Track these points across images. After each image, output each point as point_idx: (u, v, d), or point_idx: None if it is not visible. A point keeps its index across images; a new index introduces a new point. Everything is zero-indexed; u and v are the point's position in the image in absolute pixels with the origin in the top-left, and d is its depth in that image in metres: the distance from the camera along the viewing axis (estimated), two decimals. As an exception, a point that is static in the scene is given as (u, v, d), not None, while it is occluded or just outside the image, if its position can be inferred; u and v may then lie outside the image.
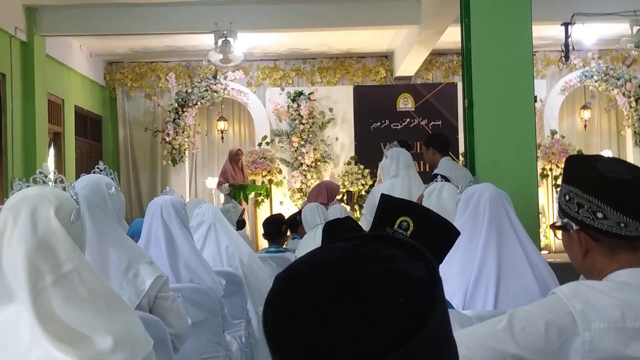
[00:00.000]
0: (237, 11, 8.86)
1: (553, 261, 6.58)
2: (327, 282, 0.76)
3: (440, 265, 1.94)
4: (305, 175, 11.12)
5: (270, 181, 11.12)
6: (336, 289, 0.75)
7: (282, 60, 11.58)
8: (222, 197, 10.17)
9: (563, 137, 11.16)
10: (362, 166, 10.94)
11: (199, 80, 11.37)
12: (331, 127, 11.41)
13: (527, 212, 4.48)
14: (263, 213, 10.67)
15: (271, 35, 9.99)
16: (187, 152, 11.46)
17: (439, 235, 1.97)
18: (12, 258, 1.68)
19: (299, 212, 6.70)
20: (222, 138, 11.61)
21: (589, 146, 11.60)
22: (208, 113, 11.78)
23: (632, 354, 1.37)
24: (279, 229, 5.92)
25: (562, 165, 1.68)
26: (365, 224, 4.71)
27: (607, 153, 10.45)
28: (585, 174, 1.52)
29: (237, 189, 9.99)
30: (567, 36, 8.60)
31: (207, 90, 11.26)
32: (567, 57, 8.98)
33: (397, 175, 5.14)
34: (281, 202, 11.21)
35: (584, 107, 11.57)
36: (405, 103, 11.20)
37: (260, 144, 11.24)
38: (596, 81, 11.25)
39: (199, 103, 11.32)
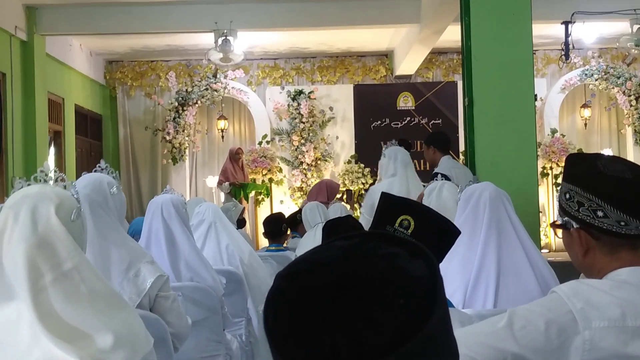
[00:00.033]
0: (237, 10, 8.86)
1: (553, 260, 6.59)
2: (327, 281, 0.76)
3: (440, 264, 1.94)
4: (305, 174, 11.12)
5: (271, 180, 11.12)
6: (337, 288, 0.75)
7: (282, 59, 11.58)
8: (222, 195, 10.18)
9: (563, 136, 11.16)
10: (362, 165, 10.94)
11: (199, 79, 11.37)
12: (331, 125, 11.41)
13: (527, 211, 4.48)
14: (263, 212, 10.67)
15: (271, 34, 9.99)
16: (187, 150, 11.46)
17: (440, 234, 1.97)
18: (13, 256, 1.68)
19: (299, 211, 6.71)
20: (223, 137, 11.61)
21: (589, 145, 11.60)
22: (208, 112, 11.78)
23: (633, 353, 1.37)
24: (280, 227, 5.92)
25: (563, 164, 1.68)
26: (364, 223, 4.70)
27: (607, 152, 10.44)
28: (586, 173, 1.52)
29: (237, 188, 9.99)
30: (567, 35, 8.60)
31: (207, 89, 11.26)
32: (567, 56, 8.97)
33: (395, 174, 5.14)
34: (281, 201, 11.21)
35: (584, 106, 11.56)
36: (406, 102, 11.19)
37: (260, 143, 11.24)
38: (596, 80, 11.24)
39: (199, 102, 11.32)
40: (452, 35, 7.96)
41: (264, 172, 11.03)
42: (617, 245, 1.50)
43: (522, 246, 2.73)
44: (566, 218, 1.56)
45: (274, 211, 10.12)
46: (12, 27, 8.39)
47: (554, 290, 1.46)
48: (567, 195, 1.54)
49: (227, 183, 9.94)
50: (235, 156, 10.22)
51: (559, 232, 1.60)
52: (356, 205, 10.48)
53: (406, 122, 11.17)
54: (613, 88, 11.25)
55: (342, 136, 11.41)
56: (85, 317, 1.64)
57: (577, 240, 1.54)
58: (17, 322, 1.62)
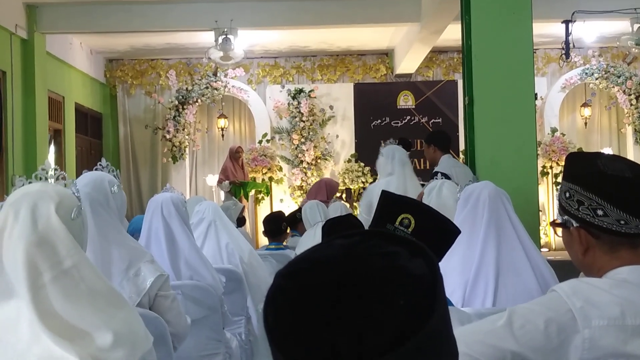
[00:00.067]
0: (238, 8, 8.86)
1: (553, 259, 6.59)
2: (327, 279, 0.76)
3: (440, 263, 1.94)
4: (305, 173, 11.12)
5: (271, 179, 11.12)
6: (337, 286, 0.75)
7: (283, 57, 11.58)
8: (222, 194, 10.17)
9: (563, 135, 11.16)
10: (362, 164, 10.94)
11: (200, 78, 11.37)
12: (331, 124, 11.41)
13: (527, 210, 4.48)
14: (263, 210, 10.67)
15: (271, 32, 9.98)
16: (187, 149, 11.46)
17: (440, 233, 1.97)
18: (12, 254, 1.68)
19: (299, 210, 6.71)
20: (223, 135, 11.61)
21: (589, 144, 11.60)
22: (208, 110, 11.78)
23: (632, 352, 1.37)
24: (279, 226, 5.92)
25: (563, 163, 1.68)
26: (362, 222, 4.70)
27: (607, 151, 10.44)
28: (586, 171, 1.52)
29: (237, 187, 9.99)
30: (567, 34, 8.60)
31: (207, 88, 11.26)
32: (567, 55, 8.97)
33: (392, 173, 5.14)
34: (281, 200, 11.21)
35: (585, 105, 11.56)
36: (406, 100, 11.19)
37: (260, 142, 11.24)
38: (597, 79, 11.24)
39: (199, 100, 11.32)
40: (452, 34, 7.96)
41: (264, 170, 11.03)
42: (617, 244, 1.50)
43: (522, 245, 2.73)
44: (566, 217, 1.56)
45: (274, 210, 10.13)
46: (13, 25, 8.39)
47: (553, 289, 1.46)
48: (567, 194, 1.54)
49: (227, 182, 9.94)
50: (235, 155, 10.22)
51: (559, 230, 1.60)
52: (355, 204, 10.47)
53: (406, 121, 11.16)
54: (613, 87, 11.25)
55: (342, 135, 11.41)
56: (84, 315, 1.64)
57: (577, 239, 1.54)
58: (16, 320, 1.63)
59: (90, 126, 11.24)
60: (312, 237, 5.32)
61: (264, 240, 8.53)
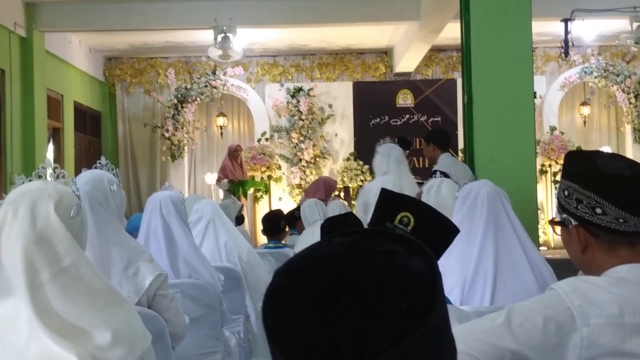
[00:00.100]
0: (237, 7, 8.86)
1: (552, 257, 6.59)
2: (326, 277, 0.76)
3: (438, 261, 1.94)
4: (304, 171, 11.12)
5: (270, 177, 11.12)
6: (336, 284, 0.75)
7: (282, 56, 11.57)
8: (221, 192, 10.17)
9: (562, 134, 11.16)
10: (361, 162, 10.94)
11: (198, 76, 11.36)
12: (330, 123, 11.40)
13: (526, 208, 4.49)
14: (262, 209, 10.68)
15: (270, 31, 9.98)
16: (186, 147, 11.46)
17: (439, 231, 1.97)
18: (11, 252, 1.68)
19: (298, 208, 6.71)
20: (222, 134, 11.61)
21: (588, 142, 11.60)
22: (207, 109, 11.78)
23: (631, 350, 1.37)
24: (278, 224, 5.92)
25: (562, 162, 1.68)
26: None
27: (606, 149, 10.45)
28: (585, 170, 1.52)
29: (236, 185, 9.99)
30: (566, 32, 8.60)
31: (206, 86, 11.26)
32: (566, 54, 8.97)
33: (388, 171, 5.13)
34: (280, 198, 11.21)
35: (584, 104, 11.57)
36: (405, 99, 11.19)
37: (259, 140, 11.23)
38: (596, 77, 11.25)
39: (198, 99, 11.31)
40: (451, 32, 7.96)
41: (263, 169, 11.03)
42: (616, 242, 1.50)
43: (520, 243, 2.74)
44: (565, 215, 1.56)
45: (273, 208, 10.12)
46: (12, 23, 8.38)
47: (552, 287, 1.46)
48: (566, 193, 1.54)
49: (226, 180, 9.94)
50: (234, 153, 10.22)
51: (558, 229, 1.60)
52: (354, 203, 10.48)
53: (405, 119, 11.16)
54: (612, 86, 11.25)
55: (341, 133, 11.41)
56: (83, 314, 1.64)
57: (576, 237, 1.54)
58: (15, 318, 1.62)
59: (89, 124, 11.24)
60: (310, 236, 5.32)
61: (262, 239, 8.53)
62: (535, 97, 4.92)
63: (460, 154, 9.83)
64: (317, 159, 11.21)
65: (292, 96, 11.23)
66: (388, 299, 0.74)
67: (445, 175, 4.14)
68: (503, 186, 2.95)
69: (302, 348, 0.73)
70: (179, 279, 3.39)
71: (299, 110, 11.17)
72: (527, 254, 2.73)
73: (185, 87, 11.31)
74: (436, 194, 3.60)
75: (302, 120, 11.15)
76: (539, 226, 7.80)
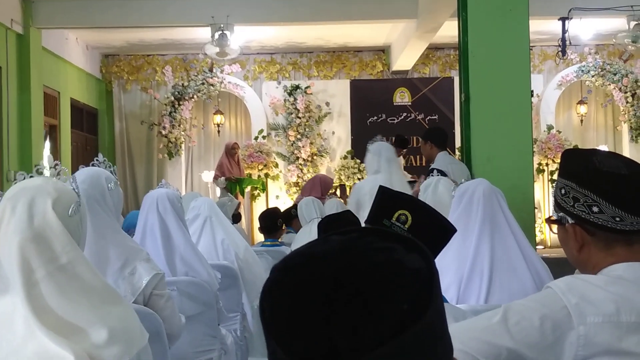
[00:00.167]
0: (234, 4, 8.84)
1: (548, 256, 6.60)
2: (324, 273, 0.76)
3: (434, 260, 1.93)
4: (301, 169, 11.12)
5: (267, 175, 11.12)
6: (334, 280, 0.75)
7: (279, 53, 11.56)
8: (218, 190, 10.17)
9: (559, 132, 11.17)
10: (358, 160, 10.94)
11: (196, 74, 11.35)
12: (328, 121, 11.40)
13: (523, 207, 4.49)
14: (259, 207, 10.67)
15: (268, 28, 9.97)
16: (183, 145, 11.45)
17: (436, 230, 1.97)
18: (8, 249, 1.67)
19: (294, 206, 6.71)
20: (219, 131, 11.60)
21: (585, 141, 11.62)
22: (204, 106, 11.77)
23: (627, 348, 1.37)
24: (275, 222, 5.92)
25: (558, 160, 1.68)
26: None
27: (603, 148, 10.46)
28: (581, 168, 1.52)
29: (233, 183, 9.99)
30: (564, 31, 8.60)
31: (203, 84, 11.25)
32: (563, 52, 8.98)
33: (379, 170, 5.13)
34: (277, 196, 11.21)
35: (581, 102, 11.58)
36: (402, 97, 11.19)
37: (256, 138, 11.23)
38: (593, 76, 11.26)
39: (195, 96, 11.30)
40: (449, 30, 7.96)
41: (260, 167, 11.03)
42: (612, 240, 1.50)
43: (517, 242, 2.74)
44: (561, 213, 1.56)
45: (270, 206, 10.12)
46: (8, 20, 8.36)
47: (548, 285, 1.46)
48: (563, 191, 1.55)
49: (223, 178, 9.93)
50: (231, 151, 10.21)
51: (555, 227, 1.61)
52: (349, 200, 10.48)
53: (402, 117, 11.16)
54: (609, 84, 11.26)
55: (338, 131, 11.41)
56: (79, 311, 1.64)
57: (572, 236, 1.54)
58: (11, 316, 1.62)
59: (86, 122, 11.22)
60: (307, 234, 5.32)
61: (259, 237, 8.53)
62: (532, 95, 4.93)
63: (457, 152, 9.83)
64: (314, 157, 11.21)
65: (290, 94, 11.22)
66: (385, 294, 0.74)
67: (442, 173, 4.15)
68: (500, 184, 2.95)
69: (299, 343, 0.74)
70: (175, 276, 3.38)
71: (296, 108, 11.16)
72: (524, 252, 2.73)
73: (182, 84, 11.29)
74: (433, 192, 3.60)
75: (300, 118, 11.15)
76: (536, 225, 7.81)
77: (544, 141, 10.96)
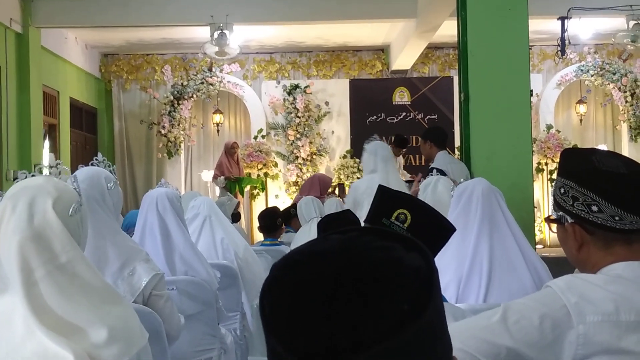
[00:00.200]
0: (233, 3, 8.84)
1: (548, 255, 6.60)
2: (324, 271, 0.77)
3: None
4: (300, 169, 11.12)
5: (266, 174, 11.12)
6: (334, 278, 0.75)
7: (278, 53, 11.56)
8: (217, 190, 10.17)
9: (559, 132, 11.17)
10: (357, 160, 10.93)
11: (195, 73, 11.34)
12: (327, 120, 11.40)
13: (522, 206, 4.50)
14: (258, 206, 10.67)
15: (267, 28, 9.97)
16: (182, 144, 11.45)
17: (436, 229, 1.97)
18: (7, 248, 1.67)
19: (293, 206, 6.71)
20: (218, 131, 11.60)
21: (584, 141, 11.63)
22: (204, 106, 11.76)
23: (626, 347, 1.38)
24: (275, 222, 5.92)
25: (558, 160, 1.69)
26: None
27: (602, 147, 10.45)
28: (581, 167, 1.52)
29: (232, 182, 9.99)
30: (563, 30, 8.60)
31: (202, 83, 11.24)
32: (563, 52, 8.98)
33: (375, 169, 5.13)
34: (277, 196, 11.21)
35: (580, 102, 11.58)
36: (402, 97, 11.19)
37: (256, 137, 11.22)
38: (592, 76, 11.26)
39: (194, 96, 11.30)
40: (448, 30, 7.96)
41: (260, 166, 11.02)
42: (612, 239, 1.50)
43: (516, 241, 2.74)
44: (561, 213, 1.56)
45: (269, 206, 10.12)
46: (7, 19, 8.36)
47: (548, 284, 1.46)
48: (562, 190, 1.55)
49: (222, 177, 9.93)
50: (230, 150, 10.20)
51: (554, 226, 1.61)
52: (346, 200, 10.47)
53: (402, 117, 11.16)
54: (609, 84, 11.27)
55: (337, 131, 11.41)
56: (79, 311, 1.64)
57: (572, 235, 1.54)
58: (11, 315, 1.62)
59: (85, 121, 11.21)
60: (307, 233, 5.32)
61: (259, 236, 8.53)
62: (531, 95, 4.93)
63: (456, 151, 9.83)
64: (314, 157, 11.21)
65: (289, 93, 11.22)
66: (385, 293, 0.74)
67: (442, 173, 4.15)
68: (499, 184, 2.95)
69: (299, 340, 0.74)
70: (175, 275, 3.38)
71: (295, 108, 11.16)
72: (523, 251, 2.73)
73: (182, 83, 11.29)
74: (433, 191, 3.61)
75: (299, 117, 11.15)
76: (535, 224, 7.81)
77: (544, 140, 10.96)
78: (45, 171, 1.91)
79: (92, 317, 1.64)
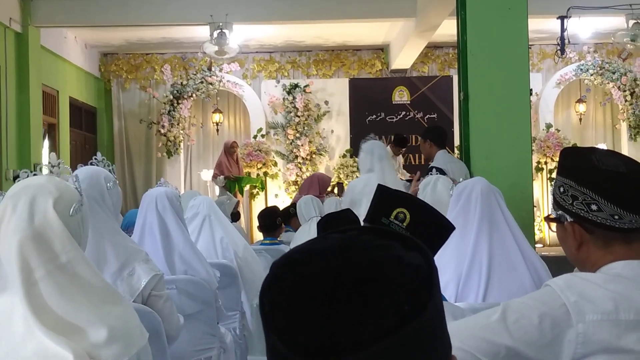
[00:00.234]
0: (233, 3, 8.84)
1: (547, 254, 6.60)
2: (324, 269, 0.77)
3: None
4: (300, 168, 11.12)
5: (266, 174, 11.12)
6: (334, 276, 0.76)
7: (278, 52, 11.56)
8: (217, 189, 10.17)
9: (558, 131, 11.18)
10: (357, 159, 10.92)
11: (194, 72, 11.34)
12: (326, 119, 11.40)
13: (522, 205, 4.50)
14: (258, 205, 10.68)
15: (267, 27, 9.97)
16: (182, 144, 11.45)
17: (435, 228, 1.97)
18: (7, 247, 1.67)
19: (293, 205, 6.71)
20: (217, 130, 11.60)
21: (584, 140, 11.63)
22: (203, 105, 11.76)
23: (625, 346, 1.38)
24: (274, 221, 5.92)
25: (557, 159, 1.69)
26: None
27: (602, 146, 10.44)
28: (580, 166, 1.52)
29: (232, 182, 9.99)
30: (562, 29, 8.60)
31: (202, 82, 11.24)
32: (562, 51, 8.98)
33: (372, 169, 5.13)
34: (276, 195, 11.21)
35: (579, 101, 11.59)
36: (401, 96, 11.19)
37: (255, 137, 11.22)
38: (591, 75, 11.26)
39: (194, 95, 11.30)
40: (448, 29, 7.96)
41: (259, 165, 11.02)
42: (611, 238, 1.50)
43: (515, 240, 2.74)
44: (560, 212, 1.56)
45: (269, 205, 10.12)
46: (7, 18, 8.36)
47: (547, 283, 1.46)
48: (562, 189, 1.55)
49: (222, 177, 9.93)
50: (230, 150, 10.20)
51: (553, 225, 1.61)
52: (343, 199, 10.46)
53: (401, 116, 11.16)
54: (608, 83, 11.27)
55: (337, 130, 11.41)
56: (79, 311, 1.64)
57: (571, 234, 1.54)
58: (10, 314, 1.62)
59: (85, 120, 11.21)
60: (307, 232, 5.32)
61: (258, 235, 8.53)
62: (531, 94, 4.94)
63: (456, 150, 9.83)
64: (313, 156, 11.21)
65: (288, 93, 11.22)
66: (385, 291, 0.75)
67: (441, 172, 4.15)
68: (499, 183, 2.96)
69: (300, 338, 0.74)
70: (174, 275, 3.38)
71: (295, 107, 11.16)
72: (522, 250, 2.73)
73: (181, 83, 11.29)
74: (432, 191, 3.61)
75: (298, 116, 11.14)
76: (535, 223, 7.82)
77: (543, 140, 10.97)
78: (46, 170, 1.90)
79: (92, 317, 1.64)
